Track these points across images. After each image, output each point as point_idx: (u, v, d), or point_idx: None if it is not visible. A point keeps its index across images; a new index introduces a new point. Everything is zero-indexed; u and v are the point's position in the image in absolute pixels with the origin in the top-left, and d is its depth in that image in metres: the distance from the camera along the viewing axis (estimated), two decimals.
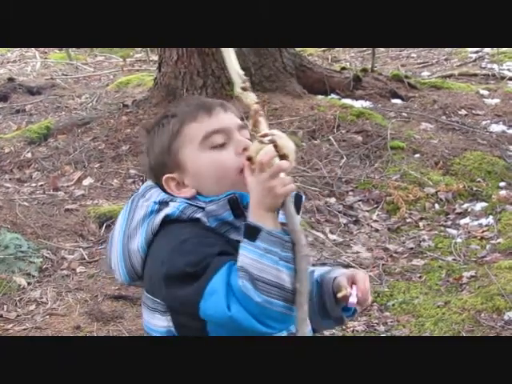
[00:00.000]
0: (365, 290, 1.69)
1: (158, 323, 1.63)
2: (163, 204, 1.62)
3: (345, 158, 5.60)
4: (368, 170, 5.50)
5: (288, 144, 1.50)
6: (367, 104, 6.60)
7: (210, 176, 1.63)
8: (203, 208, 1.59)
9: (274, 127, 6.32)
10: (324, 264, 2.05)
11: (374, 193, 5.21)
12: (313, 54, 8.98)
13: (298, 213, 1.67)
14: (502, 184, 5.41)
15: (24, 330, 3.89)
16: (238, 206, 1.56)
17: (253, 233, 1.46)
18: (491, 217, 4.94)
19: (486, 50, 9.20)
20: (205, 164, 1.64)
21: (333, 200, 5.13)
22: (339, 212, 5.00)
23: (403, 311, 3.91)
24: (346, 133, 5.90)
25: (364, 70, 7.32)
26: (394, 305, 3.97)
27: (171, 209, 1.59)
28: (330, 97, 6.74)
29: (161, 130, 1.71)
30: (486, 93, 7.35)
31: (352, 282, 1.71)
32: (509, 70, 8.33)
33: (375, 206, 5.11)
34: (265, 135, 1.46)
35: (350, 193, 5.24)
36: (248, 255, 1.46)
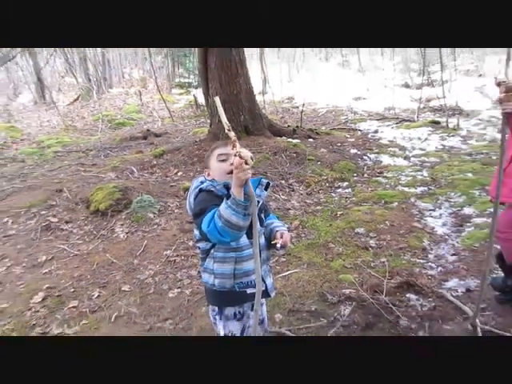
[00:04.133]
0: (286, 241, 1.60)
1: (196, 232, 1.60)
2: (201, 183, 1.60)
3: (288, 164, 5.53)
4: (298, 169, 5.42)
5: (247, 155, 1.35)
6: (298, 141, 6.50)
7: (217, 173, 1.60)
8: (215, 186, 1.56)
9: (258, 149, 6.04)
10: (279, 218, 1.94)
11: (301, 179, 5.16)
12: (276, 120, 8.86)
13: (266, 189, 1.61)
14: (355, 174, 5.35)
15: (151, 236, 3.89)
16: (228, 187, 1.50)
17: (228, 197, 1.39)
18: (350, 189, 4.90)
19: (350, 117, 9.14)
20: (216, 167, 1.61)
21: (283, 181, 5.09)
22: (286, 186, 4.96)
23: (312, 228, 3.89)
24: (290, 153, 5.82)
25: (297, 127, 7.23)
26: (307, 225, 3.95)
27: (202, 186, 1.58)
28: (282, 138, 6.63)
29: (208, 150, 1.71)
30: (348, 136, 7.26)
31: (281, 235, 1.62)
32: (358, 126, 8.27)
33: (301, 184, 5.07)
34: (237, 152, 1.34)
35: (291, 179, 5.19)
36: (222, 206, 1.39)
